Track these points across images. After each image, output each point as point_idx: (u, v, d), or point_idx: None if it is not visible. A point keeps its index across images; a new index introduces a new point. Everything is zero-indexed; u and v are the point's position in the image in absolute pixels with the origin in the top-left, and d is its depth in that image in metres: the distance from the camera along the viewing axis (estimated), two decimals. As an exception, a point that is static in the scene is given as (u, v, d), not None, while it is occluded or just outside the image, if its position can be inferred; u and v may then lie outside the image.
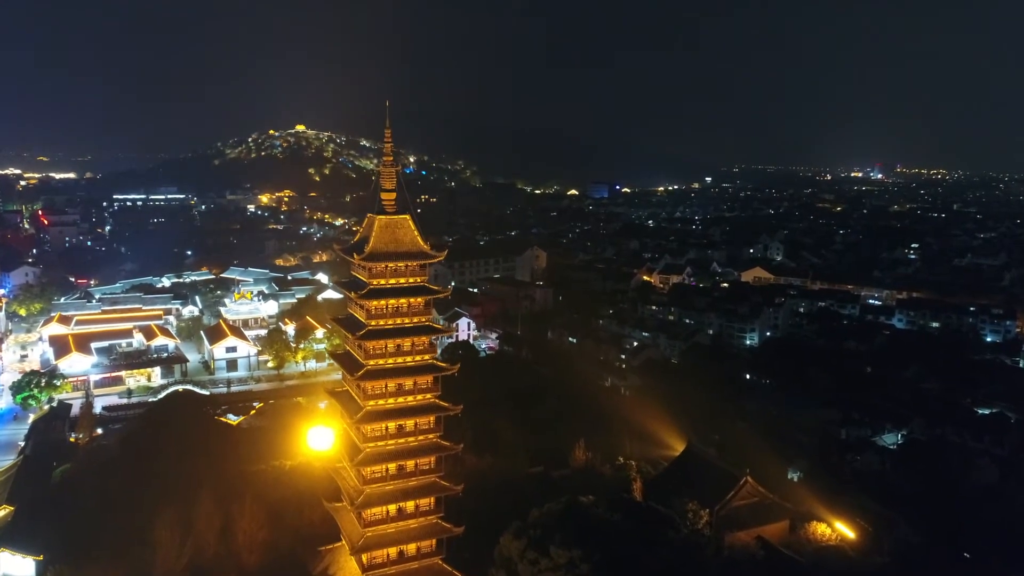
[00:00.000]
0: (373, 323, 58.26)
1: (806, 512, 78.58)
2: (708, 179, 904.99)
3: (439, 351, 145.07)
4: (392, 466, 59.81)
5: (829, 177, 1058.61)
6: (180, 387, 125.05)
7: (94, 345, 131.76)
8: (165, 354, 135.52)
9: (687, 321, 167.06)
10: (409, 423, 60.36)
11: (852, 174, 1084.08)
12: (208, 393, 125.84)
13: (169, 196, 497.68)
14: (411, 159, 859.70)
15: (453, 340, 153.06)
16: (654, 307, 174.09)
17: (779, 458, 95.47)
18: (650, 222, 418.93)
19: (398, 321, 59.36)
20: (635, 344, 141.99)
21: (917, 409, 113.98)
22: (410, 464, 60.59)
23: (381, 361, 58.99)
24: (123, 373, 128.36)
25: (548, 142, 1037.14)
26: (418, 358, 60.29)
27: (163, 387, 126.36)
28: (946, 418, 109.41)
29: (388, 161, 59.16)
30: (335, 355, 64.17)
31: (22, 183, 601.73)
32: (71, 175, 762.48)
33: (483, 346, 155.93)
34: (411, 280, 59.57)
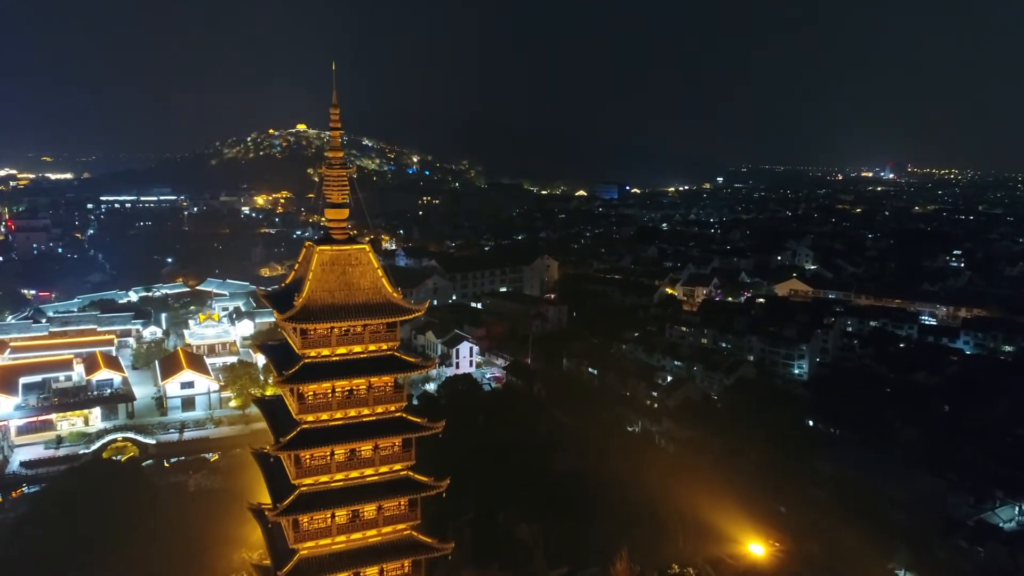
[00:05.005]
0: (311, 419, 36.09)
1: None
2: (720, 179, 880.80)
3: (436, 384, 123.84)
4: (343, 643, 37.60)
5: (840, 177, 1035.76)
6: (120, 435, 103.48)
7: (23, 380, 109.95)
8: (109, 390, 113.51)
9: (723, 346, 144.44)
10: (370, 573, 38.05)
11: (863, 174, 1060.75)
12: (154, 441, 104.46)
13: (161, 198, 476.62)
14: (414, 159, 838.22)
15: (453, 371, 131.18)
16: (684, 328, 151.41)
17: (873, 547, 73.35)
18: (664, 225, 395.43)
19: (351, 414, 37.12)
20: (668, 379, 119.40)
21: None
22: (372, 636, 38.40)
23: (324, 479, 36.85)
24: (54, 416, 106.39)
25: (553, 142, 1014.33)
26: (385, 471, 38.18)
27: (102, 433, 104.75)
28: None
29: (335, 159, 36.95)
30: (259, 455, 41.55)
31: (12, 183, 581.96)
32: (68, 175, 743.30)
33: (487, 376, 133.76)
34: (372, 348, 37.49)
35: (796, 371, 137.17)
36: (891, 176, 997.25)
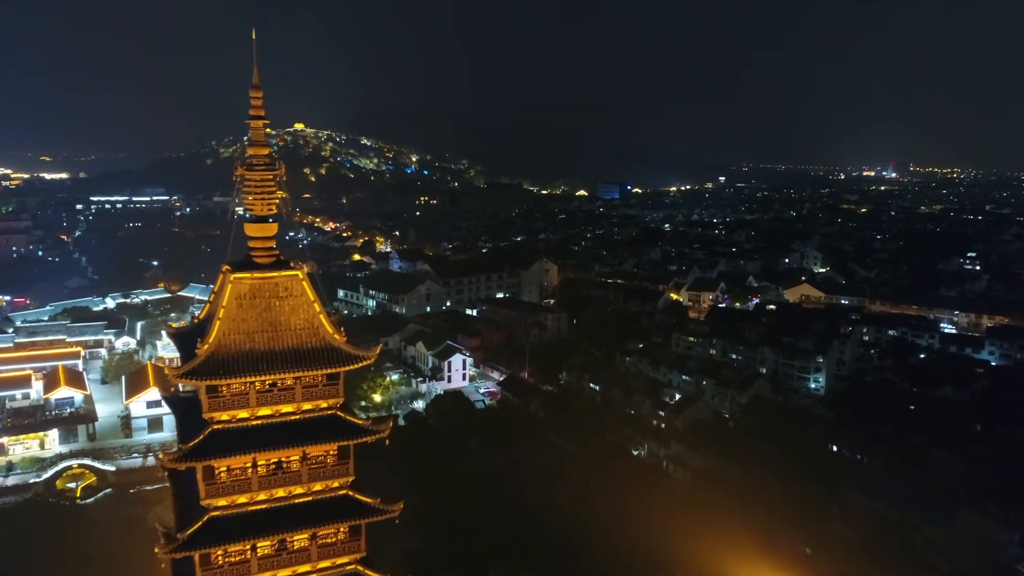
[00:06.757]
0: (223, 504, 26.94)
1: None
2: (722, 179, 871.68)
3: (425, 401, 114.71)
4: None
5: (842, 176, 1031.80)
6: (76, 461, 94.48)
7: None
8: (69, 410, 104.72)
9: (734, 357, 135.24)
10: None
11: (865, 173, 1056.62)
12: (114, 468, 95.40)
13: (154, 198, 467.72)
14: (413, 158, 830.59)
15: (445, 386, 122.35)
16: (691, 338, 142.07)
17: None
18: (667, 226, 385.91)
19: (279, 495, 27.98)
20: (676, 397, 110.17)
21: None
22: None
23: (242, 582, 27.52)
24: (6, 440, 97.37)
25: (553, 141, 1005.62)
26: (325, 566, 28.91)
27: (58, 458, 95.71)
28: None
29: (258, 158, 27.74)
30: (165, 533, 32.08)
31: (4, 183, 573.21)
32: (63, 175, 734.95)
33: (481, 391, 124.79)
34: (307, 408, 28.26)
35: (812, 385, 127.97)
36: (893, 175, 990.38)
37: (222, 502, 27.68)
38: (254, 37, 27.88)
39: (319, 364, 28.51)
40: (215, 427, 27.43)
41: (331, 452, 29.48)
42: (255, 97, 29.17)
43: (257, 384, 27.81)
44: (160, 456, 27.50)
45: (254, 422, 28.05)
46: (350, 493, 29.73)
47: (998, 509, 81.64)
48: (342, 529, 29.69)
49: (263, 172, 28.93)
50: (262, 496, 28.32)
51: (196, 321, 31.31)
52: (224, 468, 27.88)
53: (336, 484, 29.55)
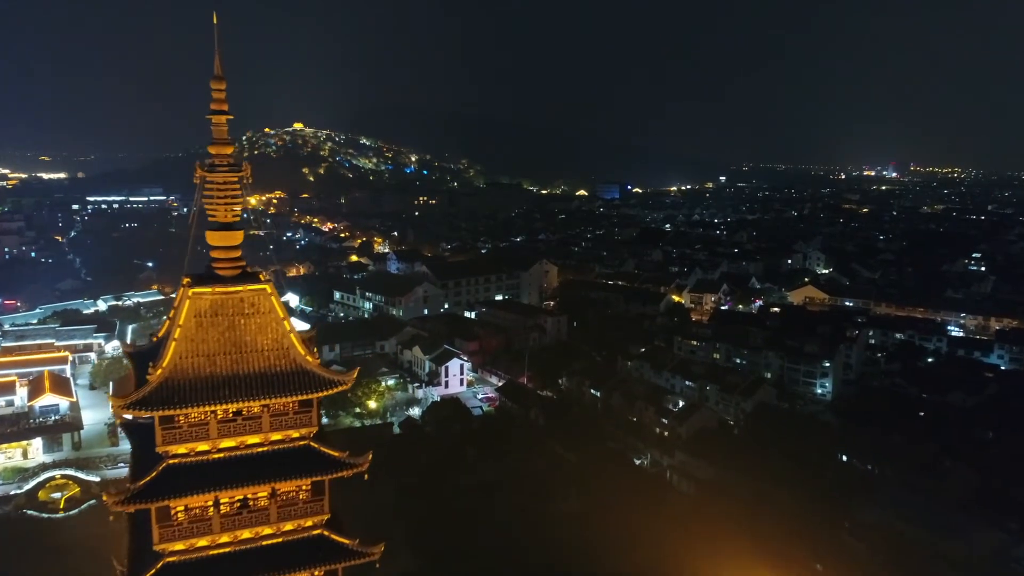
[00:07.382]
0: (180, 548, 23.71)
1: None
2: (722, 178, 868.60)
3: (421, 408, 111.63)
4: None
5: (843, 176, 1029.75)
6: (59, 471, 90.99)
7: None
8: (53, 418, 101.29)
9: (738, 361, 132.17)
10: None
11: (865, 172, 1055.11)
12: (98, 479, 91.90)
13: (151, 198, 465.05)
14: (412, 158, 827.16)
15: (442, 392, 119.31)
16: (694, 342, 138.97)
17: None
18: (667, 226, 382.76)
19: (244, 537, 24.81)
20: (680, 403, 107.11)
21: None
22: None
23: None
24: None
25: (553, 141, 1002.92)
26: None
27: (41, 468, 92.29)
28: None
29: (221, 159, 24.52)
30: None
31: (1, 183, 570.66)
32: (62, 175, 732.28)
33: (480, 397, 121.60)
34: (276, 438, 25.09)
35: (819, 390, 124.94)
36: (894, 175, 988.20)
37: (179, 546, 24.60)
38: (215, 22, 24.76)
39: (290, 390, 25.38)
40: (170, 462, 24.34)
41: (304, 488, 26.39)
42: (217, 89, 26.09)
43: (219, 413, 24.71)
44: (104, 498, 24.47)
45: (216, 455, 24.96)
46: (325, 533, 26.63)
47: (1015, 522, 78.86)
48: (316, 574, 26.64)
49: (227, 174, 25.84)
50: (225, 539, 25.22)
51: (155, 340, 28.31)
52: (181, 508, 24.83)
53: (309, 523, 26.44)
